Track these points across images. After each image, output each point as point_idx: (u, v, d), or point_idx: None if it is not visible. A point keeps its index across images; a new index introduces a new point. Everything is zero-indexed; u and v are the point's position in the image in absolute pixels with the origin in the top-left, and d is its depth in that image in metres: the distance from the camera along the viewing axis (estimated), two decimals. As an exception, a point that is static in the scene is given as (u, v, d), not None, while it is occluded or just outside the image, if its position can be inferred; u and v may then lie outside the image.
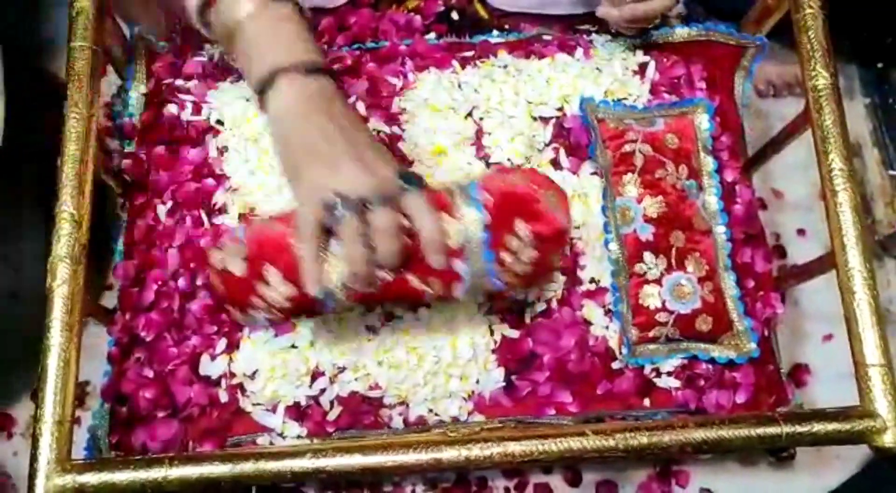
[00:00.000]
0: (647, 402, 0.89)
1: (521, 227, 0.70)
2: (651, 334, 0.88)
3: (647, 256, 0.89)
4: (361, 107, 0.95)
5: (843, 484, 1.09)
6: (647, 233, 0.89)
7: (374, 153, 0.71)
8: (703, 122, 0.96)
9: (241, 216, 0.91)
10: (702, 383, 0.89)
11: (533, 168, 0.82)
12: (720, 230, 0.93)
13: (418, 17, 1.09)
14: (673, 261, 0.88)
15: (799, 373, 1.14)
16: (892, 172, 1.27)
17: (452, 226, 0.69)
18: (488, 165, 0.95)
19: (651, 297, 0.88)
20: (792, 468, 1.08)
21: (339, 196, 0.67)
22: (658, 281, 0.88)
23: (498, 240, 0.69)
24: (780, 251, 1.21)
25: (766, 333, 0.93)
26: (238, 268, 0.71)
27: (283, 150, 0.73)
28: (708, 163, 0.95)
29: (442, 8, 1.10)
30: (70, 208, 0.79)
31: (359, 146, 0.70)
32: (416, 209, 0.69)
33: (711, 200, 0.94)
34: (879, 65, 1.29)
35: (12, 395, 1.11)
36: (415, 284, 0.71)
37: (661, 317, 0.88)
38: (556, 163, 0.95)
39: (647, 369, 0.89)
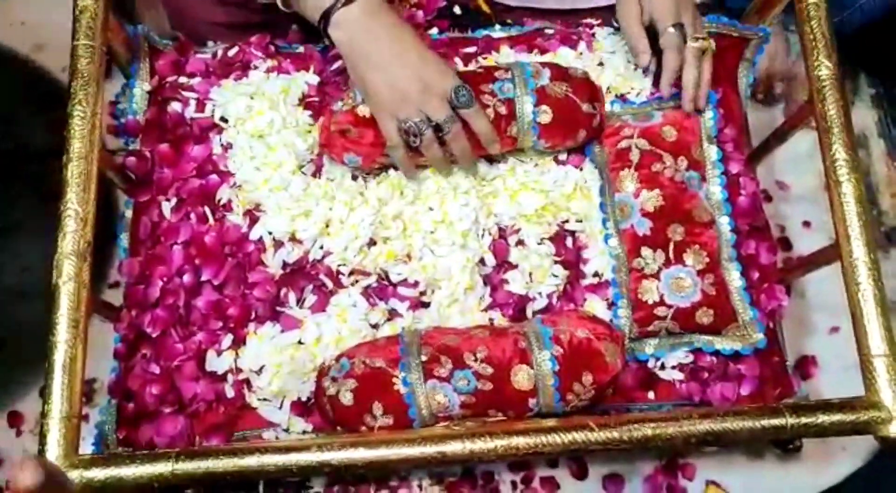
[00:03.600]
0: (651, 395, 0.90)
1: (587, 379, 0.82)
2: (650, 328, 0.89)
3: (645, 250, 0.89)
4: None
5: (850, 476, 1.08)
6: (644, 228, 0.89)
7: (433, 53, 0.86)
8: (705, 111, 0.95)
9: (247, 213, 0.92)
10: (706, 375, 0.89)
11: (593, 315, 0.89)
12: (724, 221, 0.92)
13: (420, 13, 1.09)
14: (671, 255, 0.88)
15: (805, 365, 1.14)
16: (897, 163, 1.27)
17: (529, 372, 0.81)
18: (491, 161, 0.95)
19: (650, 291, 0.88)
20: (798, 460, 1.07)
21: (413, 121, 0.83)
22: (656, 276, 0.88)
23: (566, 386, 0.82)
24: (786, 243, 1.21)
25: (770, 324, 0.93)
26: (348, 399, 0.80)
27: (358, 65, 0.84)
28: (711, 153, 0.94)
29: (444, 3, 1.10)
30: (75, 205, 0.80)
31: (424, 44, 0.85)
32: (473, 117, 0.86)
33: (715, 190, 0.94)
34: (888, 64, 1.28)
35: (21, 392, 1.11)
36: (492, 415, 0.83)
37: (660, 311, 0.88)
38: (559, 158, 0.96)
39: (651, 362, 0.89)
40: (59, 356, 0.75)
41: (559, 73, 0.92)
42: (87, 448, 0.82)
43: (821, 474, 1.08)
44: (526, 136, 0.90)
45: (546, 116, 0.89)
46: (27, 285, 1.14)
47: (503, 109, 0.89)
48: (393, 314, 0.89)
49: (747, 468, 1.08)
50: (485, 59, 1.01)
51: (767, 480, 1.07)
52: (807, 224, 1.22)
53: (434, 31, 1.08)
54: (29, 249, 1.16)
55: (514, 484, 1.05)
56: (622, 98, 0.98)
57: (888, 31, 1.17)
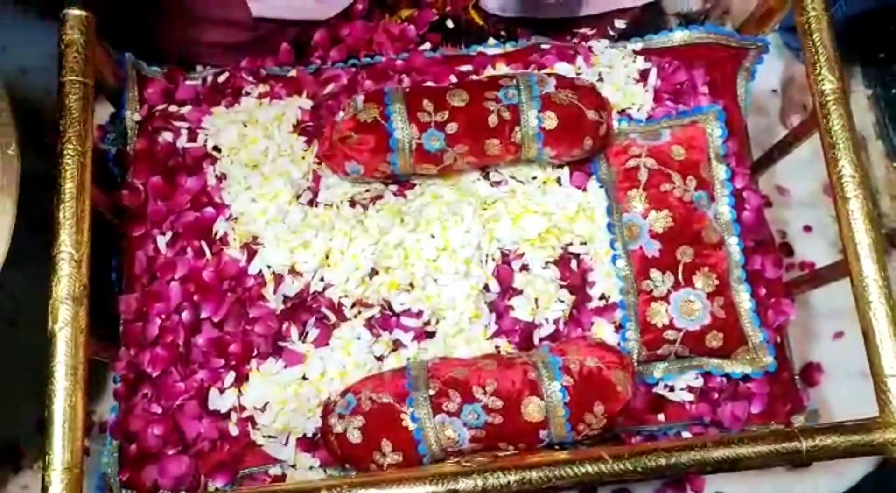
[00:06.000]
0: (661, 417, 0.89)
1: (598, 409, 0.81)
2: (659, 351, 0.88)
3: (654, 272, 0.88)
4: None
5: (859, 483, 1.08)
6: (653, 249, 0.88)
7: None
8: (714, 129, 0.94)
9: (244, 246, 0.90)
10: (716, 395, 0.89)
11: (602, 342, 0.87)
12: (733, 241, 0.91)
13: (412, 28, 1.07)
14: (680, 277, 0.87)
15: (811, 372, 1.13)
16: (896, 165, 1.26)
17: (539, 404, 0.80)
18: (491, 183, 0.94)
19: (658, 314, 0.87)
20: (807, 469, 1.07)
21: None
22: (665, 298, 0.87)
23: (577, 417, 0.81)
24: (787, 249, 1.20)
25: (779, 339, 0.92)
26: (356, 437, 0.79)
27: None
28: (720, 172, 0.93)
29: (436, 17, 1.08)
30: (69, 248, 0.77)
31: None
32: None
33: (724, 210, 0.92)
34: (881, 55, 1.27)
35: (18, 425, 1.09)
36: (503, 448, 0.82)
37: (669, 335, 0.87)
38: (561, 180, 0.94)
39: (660, 385, 0.88)
40: (59, 406, 0.73)
41: (565, 82, 0.91)
42: (89, 490, 0.80)
43: (830, 482, 1.08)
44: (531, 143, 0.89)
45: (551, 122, 0.88)
46: (16, 314, 1.12)
47: (507, 115, 0.87)
48: (398, 345, 0.88)
49: (756, 478, 1.07)
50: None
51: (776, 490, 1.07)
52: (808, 229, 1.22)
53: (427, 46, 1.06)
54: (17, 276, 1.13)
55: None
56: (623, 113, 0.97)
57: (872, 25, 1.17)
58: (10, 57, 1.22)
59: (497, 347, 0.88)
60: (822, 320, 1.16)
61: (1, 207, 0.85)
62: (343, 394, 0.83)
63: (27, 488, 1.08)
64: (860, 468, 1.08)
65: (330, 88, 0.97)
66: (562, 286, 0.90)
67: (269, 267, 0.89)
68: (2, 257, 0.83)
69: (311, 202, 0.92)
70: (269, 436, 0.85)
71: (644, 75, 0.98)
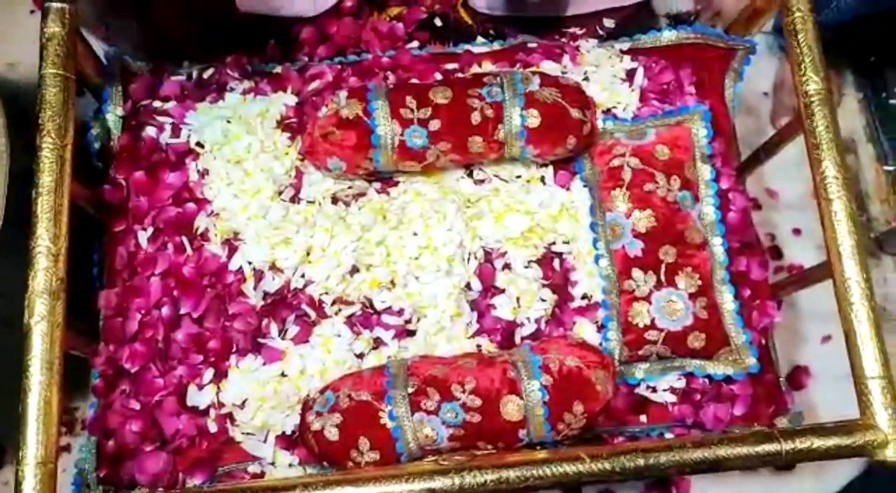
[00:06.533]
0: (643, 418, 0.88)
1: (578, 408, 0.80)
2: (641, 352, 0.87)
3: (636, 272, 0.88)
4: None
5: (846, 486, 1.07)
6: (636, 249, 0.88)
7: None
8: (700, 129, 0.94)
9: (225, 242, 0.89)
10: (698, 397, 0.88)
11: (583, 341, 0.87)
12: (717, 242, 0.91)
13: (401, 26, 1.07)
14: (663, 277, 0.87)
15: (798, 375, 1.12)
16: (886, 168, 1.25)
17: (518, 403, 0.79)
18: (475, 181, 0.93)
19: (640, 314, 0.87)
20: (793, 472, 1.07)
21: None
22: (647, 298, 0.87)
23: (556, 416, 0.80)
24: (776, 252, 1.19)
25: (763, 341, 0.92)
26: (333, 434, 0.79)
27: None
28: (705, 172, 0.93)
29: (425, 15, 1.08)
30: (46, 242, 0.77)
31: None
32: None
33: (708, 210, 0.92)
34: (872, 59, 1.26)
35: (4, 424, 1.08)
36: (482, 447, 0.82)
37: (651, 335, 0.86)
38: (545, 179, 0.94)
39: (642, 386, 0.88)
40: (34, 400, 0.73)
41: (549, 80, 0.91)
42: (66, 487, 0.80)
43: (816, 486, 1.07)
44: (514, 141, 0.88)
45: (534, 119, 0.87)
46: (14, 315, 1.11)
47: (490, 112, 0.87)
48: (378, 343, 0.87)
49: (741, 481, 1.07)
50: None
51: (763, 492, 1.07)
52: (797, 231, 1.21)
53: (415, 44, 1.05)
54: (6, 274, 1.13)
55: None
56: (608, 113, 0.96)
57: (863, 30, 1.16)
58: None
59: (478, 345, 0.88)
60: (810, 323, 1.15)
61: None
62: (322, 391, 0.82)
63: (8, 484, 1.07)
64: (846, 471, 1.07)
65: (315, 84, 0.97)
66: (544, 285, 0.90)
67: (249, 263, 0.89)
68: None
69: (294, 199, 0.92)
70: (248, 433, 0.85)
71: (630, 75, 0.98)
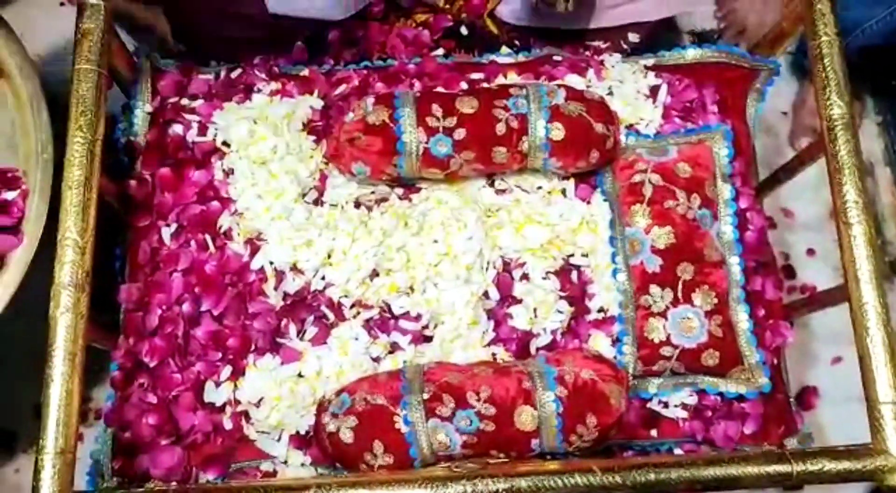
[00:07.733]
0: (653, 433, 0.89)
1: (591, 421, 0.81)
2: (655, 367, 0.88)
3: (654, 288, 0.88)
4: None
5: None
6: (654, 265, 0.88)
7: None
8: (721, 149, 0.94)
9: (248, 241, 0.90)
10: (710, 414, 0.89)
11: (598, 354, 0.87)
12: (734, 261, 0.91)
13: (426, 32, 1.07)
14: (679, 294, 0.87)
15: (807, 396, 1.13)
16: (903, 192, 1.26)
17: (532, 413, 0.80)
18: (496, 191, 0.94)
19: (656, 330, 0.87)
20: (801, 491, 1.07)
21: None
22: (663, 314, 0.87)
23: (570, 427, 0.81)
24: (790, 272, 1.20)
25: (775, 361, 0.92)
26: (348, 437, 0.79)
27: None
28: (725, 191, 0.93)
29: (451, 23, 1.09)
30: (74, 235, 0.78)
31: None
32: None
33: (727, 229, 0.92)
34: (893, 83, 1.27)
35: (15, 410, 1.10)
36: (494, 455, 0.82)
37: (666, 351, 0.87)
38: (566, 191, 0.95)
39: (654, 400, 0.88)
40: (56, 390, 0.73)
41: (574, 94, 0.91)
42: (80, 476, 0.81)
43: (823, 504, 1.07)
44: (537, 153, 0.89)
45: (558, 132, 0.88)
46: (24, 303, 1.12)
47: (515, 124, 0.88)
48: (395, 348, 0.88)
49: (749, 497, 1.07)
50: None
51: (770, 511, 1.07)
52: (811, 252, 1.22)
53: (440, 51, 1.06)
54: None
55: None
56: (631, 128, 0.97)
57: (890, 55, 1.17)
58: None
59: (494, 354, 0.88)
60: (821, 344, 1.16)
61: (38, 211, 0.86)
62: (338, 393, 0.83)
63: (20, 471, 1.09)
64: (852, 491, 1.07)
65: (341, 88, 0.97)
66: (561, 297, 0.90)
67: (271, 263, 0.89)
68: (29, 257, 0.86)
69: (317, 201, 0.93)
70: (263, 431, 0.86)
71: (654, 91, 0.99)
